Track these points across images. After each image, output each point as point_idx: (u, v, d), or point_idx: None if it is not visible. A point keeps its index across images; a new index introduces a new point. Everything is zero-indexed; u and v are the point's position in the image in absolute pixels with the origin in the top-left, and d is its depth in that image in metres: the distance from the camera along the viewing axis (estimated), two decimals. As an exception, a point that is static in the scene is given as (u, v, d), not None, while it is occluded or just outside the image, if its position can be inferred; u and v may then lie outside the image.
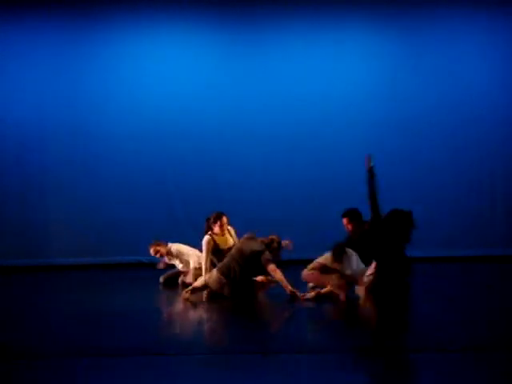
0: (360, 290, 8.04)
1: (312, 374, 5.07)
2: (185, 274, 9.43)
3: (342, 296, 7.94)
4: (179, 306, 8.15)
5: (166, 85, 11.67)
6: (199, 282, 8.41)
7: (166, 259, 9.78)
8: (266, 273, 8.21)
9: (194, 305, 8.01)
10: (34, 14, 11.64)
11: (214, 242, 8.81)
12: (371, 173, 7.88)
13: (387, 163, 11.45)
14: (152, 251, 9.70)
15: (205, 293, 8.24)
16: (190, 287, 8.36)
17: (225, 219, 8.86)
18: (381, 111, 11.71)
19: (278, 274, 8.10)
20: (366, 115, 11.67)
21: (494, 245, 11.62)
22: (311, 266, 8.24)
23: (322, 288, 8.14)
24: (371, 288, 7.78)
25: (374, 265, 7.86)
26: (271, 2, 11.72)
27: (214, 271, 8.26)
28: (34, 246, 11.37)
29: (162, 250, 9.67)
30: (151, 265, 10.27)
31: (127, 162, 11.58)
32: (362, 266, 8.05)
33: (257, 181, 11.54)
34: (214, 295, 8.16)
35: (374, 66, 11.81)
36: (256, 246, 8.17)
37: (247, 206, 11.14)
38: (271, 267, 8.09)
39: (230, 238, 8.95)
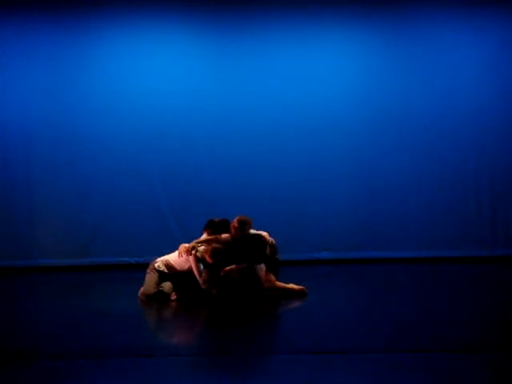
0: None
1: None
2: None
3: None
4: (165, 307, 8.08)
5: (155, 84, 11.56)
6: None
7: None
8: None
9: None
10: (24, 15, 11.53)
11: None
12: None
13: (376, 163, 11.60)
14: None
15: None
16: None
17: None
18: (369, 111, 11.67)
19: None
20: (354, 115, 11.64)
21: (480, 245, 11.63)
22: None
23: None
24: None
25: None
26: (261, 3, 11.70)
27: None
28: (18, 247, 11.26)
29: None
30: (138, 266, 10.19)
31: (114, 162, 11.46)
32: None
33: (246, 181, 11.48)
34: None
35: (361, 67, 11.77)
36: None
37: (237, 207, 11.07)
38: None
39: None
